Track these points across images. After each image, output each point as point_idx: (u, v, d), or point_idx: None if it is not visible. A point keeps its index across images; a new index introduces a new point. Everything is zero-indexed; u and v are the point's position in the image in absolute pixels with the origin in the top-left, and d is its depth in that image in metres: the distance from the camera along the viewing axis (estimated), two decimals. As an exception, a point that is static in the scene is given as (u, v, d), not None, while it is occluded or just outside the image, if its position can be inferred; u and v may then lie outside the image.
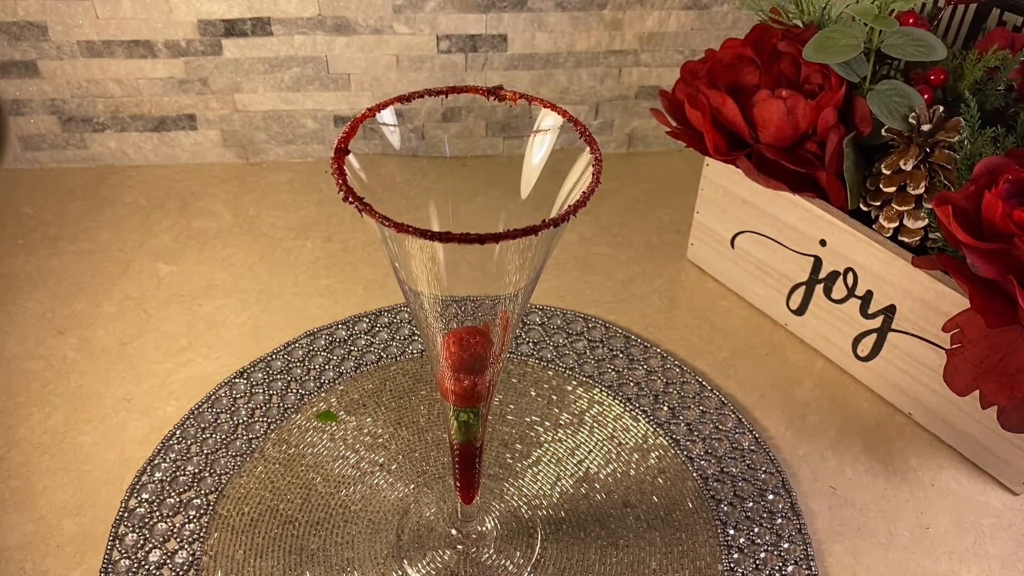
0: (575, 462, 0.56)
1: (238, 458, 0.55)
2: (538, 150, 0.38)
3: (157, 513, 0.51)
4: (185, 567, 0.49)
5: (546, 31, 0.76)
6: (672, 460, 0.56)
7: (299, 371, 0.60)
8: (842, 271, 0.60)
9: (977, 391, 0.50)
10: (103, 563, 0.49)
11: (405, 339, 0.63)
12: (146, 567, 0.49)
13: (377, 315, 0.65)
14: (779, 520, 0.53)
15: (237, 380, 0.60)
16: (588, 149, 0.35)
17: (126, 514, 0.51)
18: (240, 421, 0.57)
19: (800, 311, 0.65)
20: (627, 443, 0.57)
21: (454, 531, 0.51)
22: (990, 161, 0.49)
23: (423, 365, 0.62)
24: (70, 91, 0.75)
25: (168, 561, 0.49)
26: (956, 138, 0.53)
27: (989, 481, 0.56)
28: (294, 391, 0.59)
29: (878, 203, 0.56)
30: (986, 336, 0.49)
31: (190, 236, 0.73)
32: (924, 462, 0.57)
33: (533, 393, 0.60)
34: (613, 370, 0.62)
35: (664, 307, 0.68)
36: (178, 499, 0.52)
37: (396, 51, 0.76)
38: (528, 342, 0.64)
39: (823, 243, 0.60)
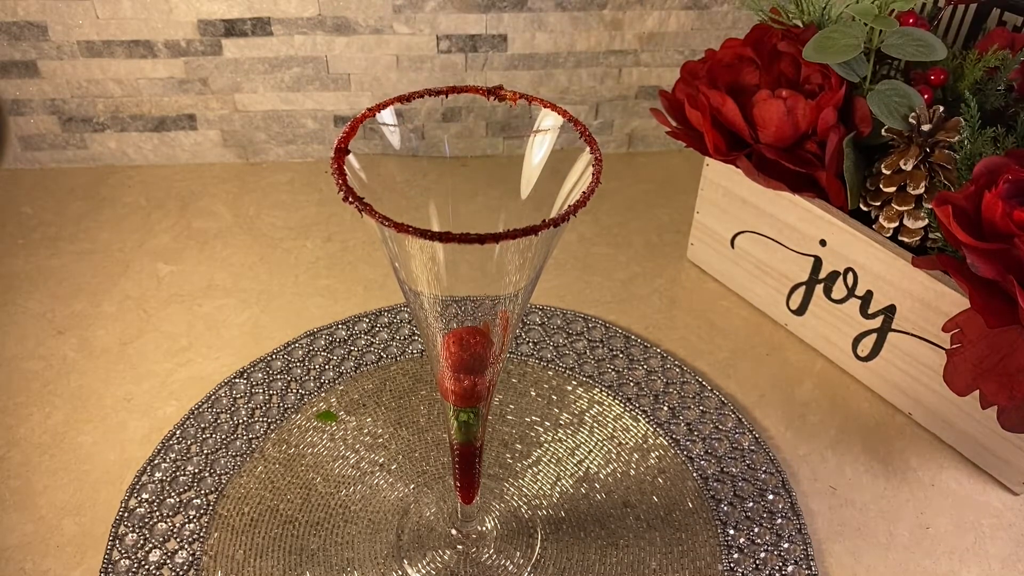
0: (575, 462, 0.56)
1: (238, 458, 0.55)
2: (538, 150, 0.38)
3: (157, 513, 0.51)
4: (185, 567, 0.49)
5: (546, 31, 0.76)
6: (672, 460, 0.56)
7: (299, 371, 0.60)
8: (842, 271, 0.60)
9: (977, 391, 0.50)
10: (103, 563, 0.49)
11: (405, 339, 0.63)
12: (146, 567, 0.49)
13: (377, 315, 0.65)
14: (779, 520, 0.53)
15: (237, 380, 0.60)
16: (588, 149, 0.35)
17: (126, 514, 0.51)
18: (240, 421, 0.57)
19: (800, 311, 0.65)
20: (627, 443, 0.57)
21: (454, 531, 0.51)
22: (990, 161, 0.49)
23: (423, 365, 0.62)
24: (70, 91, 0.75)
25: (168, 561, 0.49)
26: (956, 138, 0.53)
27: (989, 481, 0.56)
28: (294, 391, 0.59)
29: (878, 203, 0.56)
30: (986, 336, 0.49)
31: (190, 236, 0.73)
32: (924, 462, 0.57)
33: (533, 393, 0.60)
34: (613, 370, 0.62)
35: (664, 307, 0.68)
36: (178, 499, 0.52)
37: (396, 51, 0.76)
38: (528, 342, 0.64)
39: (823, 243, 0.60)
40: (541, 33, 0.76)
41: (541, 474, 0.55)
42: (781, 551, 0.51)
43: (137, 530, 0.50)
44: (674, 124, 0.61)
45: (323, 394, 0.59)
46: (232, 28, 0.73)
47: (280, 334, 0.64)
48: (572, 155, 0.36)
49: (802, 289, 0.64)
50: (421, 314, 0.38)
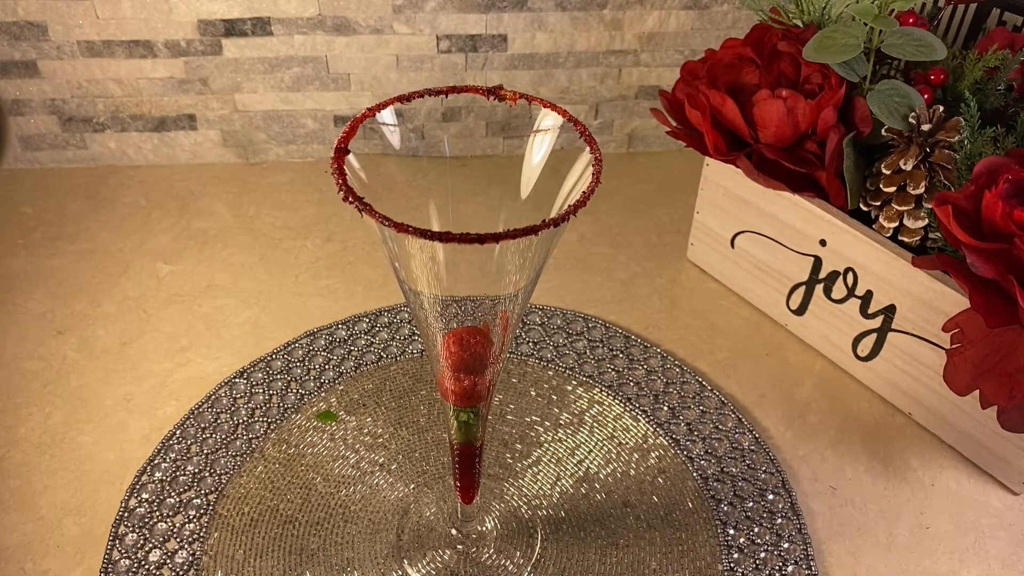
0: (575, 462, 0.56)
1: (238, 458, 0.55)
2: (538, 150, 0.38)
3: (157, 513, 0.51)
4: (185, 567, 0.49)
5: (546, 31, 0.76)
6: (672, 460, 0.56)
7: (299, 371, 0.60)
8: (842, 271, 0.60)
9: (977, 391, 0.50)
10: (103, 563, 0.49)
11: (405, 339, 0.63)
12: (146, 567, 0.49)
13: (377, 315, 0.65)
14: (779, 520, 0.53)
15: (237, 380, 0.60)
16: (588, 149, 0.35)
17: (126, 514, 0.51)
18: (240, 421, 0.57)
19: (800, 311, 0.65)
20: (627, 443, 0.57)
21: (454, 531, 0.51)
22: (990, 161, 0.49)
23: (423, 365, 0.62)
24: (70, 91, 0.75)
25: (168, 561, 0.49)
26: (956, 138, 0.53)
27: (989, 481, 0.56)
28: (294, 391, 0.59)
29: (878, 203, 0.56)
30: (986, 336, 0.49)
31: (190, 236, 0.73)
32: (924, 462, 0.57)
33: (533, 393, 0.60)
34: (613, 370, 0.62)
35: (664, 307, 0.68)
36: (178, 499, 0.52)
37: (396, 51, 0.76)
38: (528, 342, 0.64)
39: (823, 243, 0.60)
40: (541, 33, 0.76)
41: (541, 474, 0.55)
42: (781, 551, 0.51)
43: (137, 530, 0.50)
44: (674, 124, 0.61)
45: (323, 394, 0.59)
46: (232, 28, 0.73)
47: (280, 334, 0.64)
48: (572, 155, 0.36)
49: (802, 289, 0.64)
50: (421, 314, 0.38)
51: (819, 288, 0.62)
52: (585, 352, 0.63)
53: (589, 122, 0.83)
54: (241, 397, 0.58)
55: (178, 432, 0.56)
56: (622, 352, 0.63)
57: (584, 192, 0.33)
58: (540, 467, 0.56)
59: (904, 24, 0.58)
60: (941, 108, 0.53)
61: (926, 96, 0.56)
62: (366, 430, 0.57)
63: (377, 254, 0.71)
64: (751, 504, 0.54)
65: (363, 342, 0.63)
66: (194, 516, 0.51)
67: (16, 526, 0.51)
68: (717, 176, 0.66)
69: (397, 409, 0.59)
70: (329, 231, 0.74)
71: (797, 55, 0.58)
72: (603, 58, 0.79)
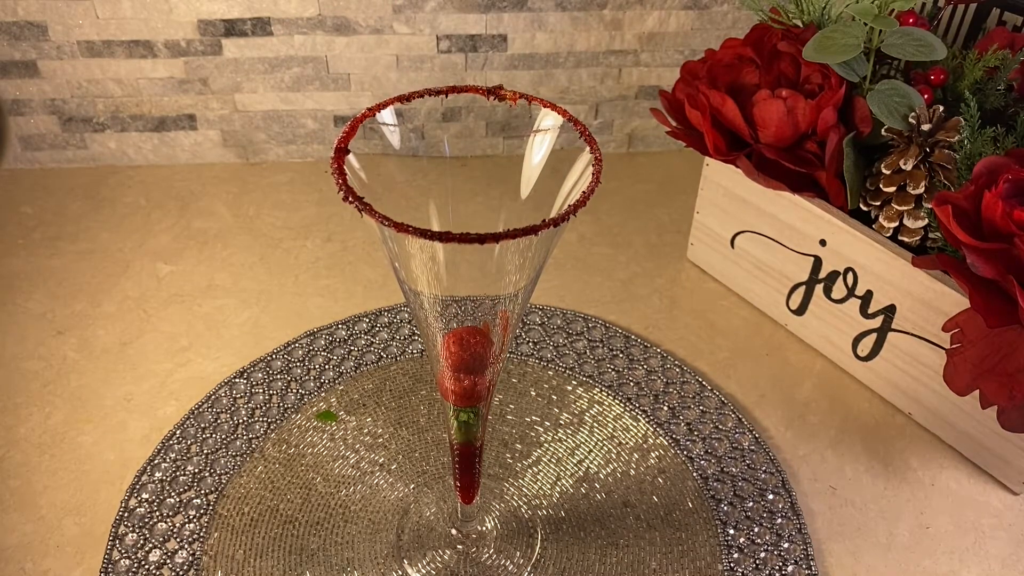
0: (575, 462, 0.56)
1: (238, 458, 0.55)
2: (538, 150, 0.38)
3: (157, 513, 0.51)
4: (185, 567, 0.49)
5: (546, 31, 0.76)
6: (672, 460, 0.56)
7: (299, 371, 0.60)
8: (842, 271, 0.60)
9: (977, 391, 0.50)
10: (103, 563, 0.49)
11: (405, 339, 0.63)
12: (146, 567, 0.49)
13: (377, 315, 0.65)
14: (779, 520, 0.53)
15: (237, 380, 0.60)
16: (588, 149, 0.35)
17: (126, 514, 0.51)
18: (240, 421, 0.57)
19: (800, 311, 0.65)
20: (627, 443, 0.57)
21: (454, 531, 0.51)
22: (990, 161, 0.49)
23: (423, 365, 0.62)
24: (70, 91, 0.75)
25: (168, 561, 0.49)
26: (956, 138, 0.53)
27: (989, 481, 0.56)
28: (294, 391, 0.59)
29: (878, 203, 0.56)
30: (986, 336, 0.49)
31: (190, 236, 0.73)
32: (924, 462, 0.57)
33: (533, 393, 0.60)
34: (613, 370, 0.62)
35: (664, 307, 0.68)
36: (178, 499, 0.52)
37: (396, 51, 0.76)
38: (528, 342, 0.64)
39: (823, 243, 0.60)
40: (541, 33, 0.76)
41: (541, 474, 0.55)
42: (781, 551, 0.51)
43: (137, 530, 0.50)
44: (674, 124, 0.61)
45: (323, 394, 0.59)
46: (232, 28, 0.73)
47: (280, 334, 0.64)
48: (572, 155, 0.36)
49: (802, 289, 0.64)
50: (421, 314, 0.38)
51: (819, 288, 0.62)
52: (585, 352, 0.63)
53: (589, 122, 0.83)
54: (241, 397, 0.58)
55: (178, 432, 0.56)
56: (622, 352, 0.63)
57: (584, 192, 0.33)
58: (540, 467, 0.56)
59: (904, 24, 0.58)
60: (941, 108, 0.53)
61: (926, 96, 0.56)
62: (366, 430, 0.57)
63: (377, 254, 0.71)
64: (751, 504, 0.54)
65: (363, 342, 0.63)
66: (194, 516, 0.51)
67: (16, 526, 0.51)
68: (717, 176, 0.66)
69: (397, 409, 0.59)
70: (329, 231, 0.74)
71: (797, 55, 0.58)
72: (603, 58, 0.79)
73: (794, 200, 0.61)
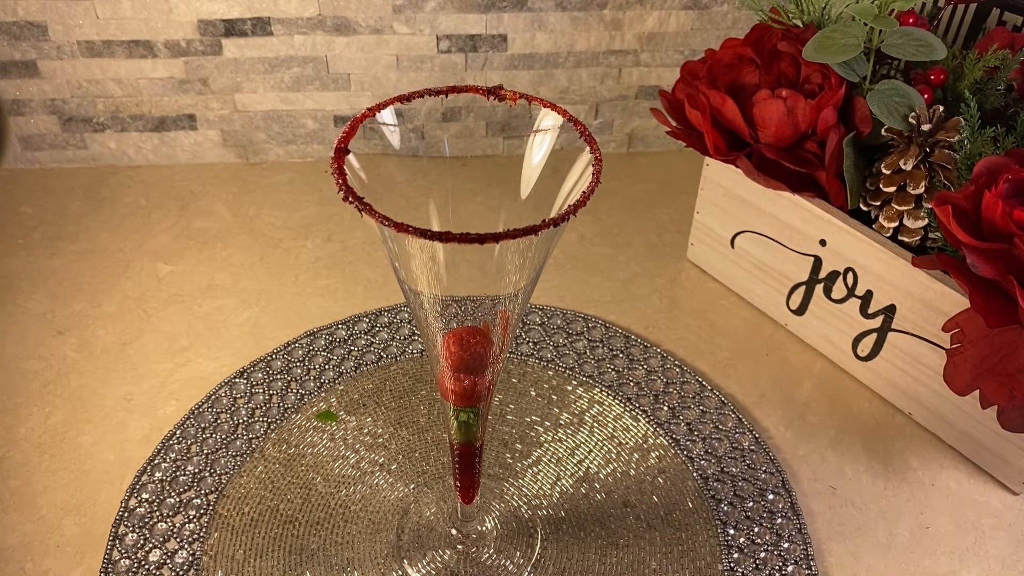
0: (575, 462, 0.56)
1: (238, 458, 0.55)
2: (538, 150, 0.38)
3: (157, 513, 0.51)
4: (185, 567, 0.49)
5: (546, 31, 0.76)
6: (672, 460, 0.56)
7: (299, 371, 0.60)
8: (842, 271, 0.60)
9: (977, 391, 0.50)
10: (103, 563, 0.49)
11: (405, 339, 0.63)
12: (146, 567, 0.49)
13: (377, 315, 0.65)
14: (779, 520, 0.53)
15: (237, 380, 0.60)
16: (588, 149, 0.35)
17: (126, 514, 0.51)
18: (240, 421, 0.57)
19: (800, 311, 0.65)
20: (627, 443, 0.57)
21: (454, 531, 0.51)
22: (990, 161, 0.49)
23: (423, 365, 0.62)
24: (70, 91, 0.75)
25: (168, 561, 0.49)
26: (956, 138, 0.53)
27: (989, 481, 0.56)
28: (294, 391, 0.59)
29: (878, 203, 0.56)
30: (986, 336, 0.49)
31: (190, 236, 0.73)
32: (924, 462, 0.57)
33: (533, 393, 0.60)
34: (613, 370, 0.62)
35: (664, 307, 0.68)
36: (178, 499, 0.52)
37: (396, 51, 0.76)
38: (528, 342, 0.64)
39: (823, 243, 0.60)
40: (541, 33, 0.76)
41: (541, 474, 0.55)
42: (781, 551, 0.51)
43: (137, 530, 0.50)
44: (674, 124, 0.61)
45: (323, 394, 0.59)
46: (232, 28, 0.73)
47: (280, 334, 0.64)
48: (572, 155, 0.36)
49: (802, 289, 0.64)
50: (421, 314, 0.38)
51: (819, 288, 0.62)
52: (585, 352, 0.63)
53: (589, 122, 0.83)
54: (241, 397, 0.58)
55: (178, 432, 0.56)
56: (622, 352, 0.63)
57: (584, 192, 0.33)
58: (540, 467, 0.56)
59: (904, 24, 0.58)
60: (941, 108, 0.53)
61: (926, 96, 0.56)
62: (366, 430, 0.57)
63: (377, 254, 0.71)
64: (751, 504, 0.54)
65: (363, 342, 0.63)
66: (194, 516, 0.51)
67: (16, 526, 0.51)
68: (717, 176, 0.66)
69: (397, 409, 0.59)
70: (329, 231, 0.74)
71: (797, 55, 0.58)
72: (603, 58, 0.79)
73: (794, 200, 0.61)
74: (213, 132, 0.79)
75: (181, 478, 0.53)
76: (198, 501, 0.52)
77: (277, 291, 0.68)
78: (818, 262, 0.61)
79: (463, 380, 0.40)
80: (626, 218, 0.77)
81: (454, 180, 0.40)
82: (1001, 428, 0.51)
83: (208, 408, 0.58)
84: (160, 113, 0.77)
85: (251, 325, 0.65)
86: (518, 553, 0.51)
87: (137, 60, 0.74)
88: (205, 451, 0.55)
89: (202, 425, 0.56)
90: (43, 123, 0.77)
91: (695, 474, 0.55)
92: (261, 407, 0.58)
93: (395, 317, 0.65)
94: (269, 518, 0.52)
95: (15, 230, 0.72)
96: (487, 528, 0.52)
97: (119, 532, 0.50)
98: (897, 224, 0.56)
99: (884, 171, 0.55)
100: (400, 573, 0.50)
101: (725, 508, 0.53)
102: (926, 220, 0.54)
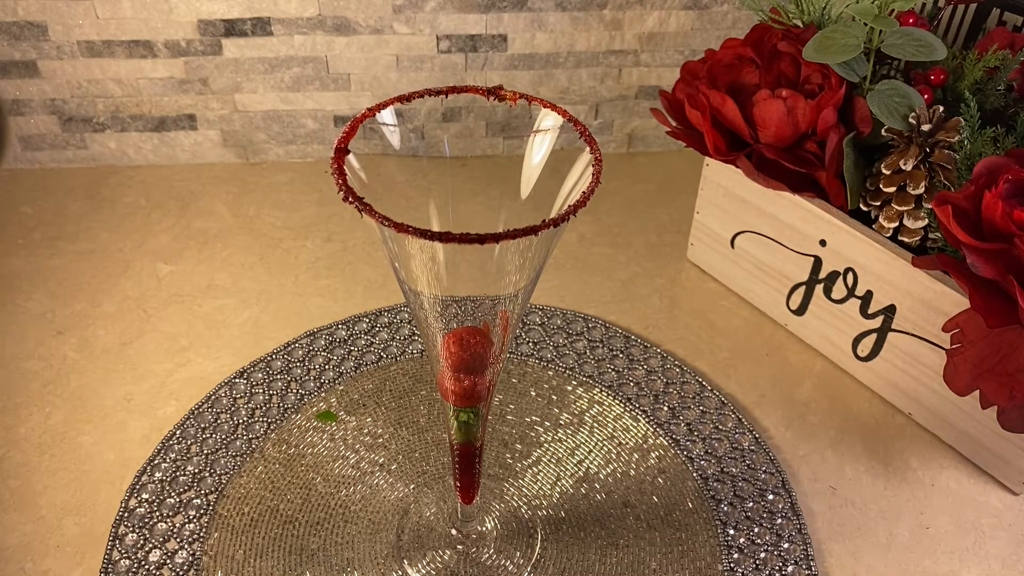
0: (575, 462, 0.56)
1: (238, 458, 0.55)
2: (538, 150, 0.38)
3: (157, 513, 0.51)
4: (185, 567, 0.49)
5: (546, 31, 0.76)
6: (672, 460, 0.56)
7: (299, 371, 0.60)
8: (842, 271, 0.60)
9: (977, 391, 0.50)
10: (103, 563, 0.49)
11: (405, 339, 0.63)
12: (146, 567, 0.49)
13: (377, 315, 0.65)
14: (779, 520, 0.53)
15: (237, 380, 0.60)
16: (588, 149, 0.35)
17: (126, 514, 0.51)
18: (240, 421, 0.57)
19: (800, 311, 0.65)
20: (627, 443, 0.57)
21: (454, 531, 0.51)
22: (990, 161, 0.49)
23: (423, 365, 0.62)
24: (70, 91, 0.75)
25: (168, 561, 0.49)
26: (956, 138, 0.53)
27: (989, 481, 0.56)
28: (294, 391, 0.59)
29: (878, 203, 0.56)
30: (986, 336, 0.49)
31: (190, 236, 0.73)
32: (924, 462, 0.57)
33: (533, 393, 0.60)
34: (613, 370, 0.62)
35: (664, 307, 0.68)
36: (178, 499, 0.52)
37: (396, 51, 0.76)
38: (528, 342, 0.64)
39: (823, 243, 0.60)
40: (541, 33, 0.76)
41: (541, 474, 0.55)
42: (781, 551, 0.51)
43: (137, 530, 0.50)
44: (674, 124, 0.61)
45: (323, 394, 0.59)
46: (232, 28, 0.73)
47: (280, 334, 0.64)
48: (572, 155, 0.36)
49: (802, 289, 0.64)
50: (421, 314, 0.38)
51: (819, 288, 0.62)
52: (585, 352, 0.63)
53: (589, 122, 0.83)
54: (241, 397, 0.58)
55: (178, 432, 0.56)
56: (622, 352, 0.63)
57: (584, 192, 0.33)
58: (540, 467, 0.56)
59: (904, 24, 0.58)
60: (941, 108, 0.53)
61: (926, 96, 0.56)
62: (366, 430, 0.57)
63: (377, 254, 0.71)
64: (751, 504, 0.54)
65: (363, 342, 0.63)
66: (194, 516, 0.51)
67: (16, 526, 0.51)
68: (717, 176, 0.66)
69: (397, 409, 0.59)
70: (329, 231, 0.74)
71: (797, 55, 0.58)
72: (603, 58, 0.79)
73: (794, 200, 0.61)
74: (213, 132, 0.79)
75: (181, 478, 0.53)
76: (198, 501, 0.52)
77: (277, 291, 0.68)
78: (818, 262, 0.61)
79: (463, 380, 0.40)
80: (626, 218, 0.77)
81: (454, 180, 0.40)
82: (1001, 428, 0.51)
83: (208, 408, 0.58)
84: (160, 113, 0.77)
85: (251, 325, 0.65)
86: (518, 553, 0.51)
87: (137, 60, 0.74)
88: (205, 451, 0.55)
89: (202, 425, 0.56)
90: (43, 123, 0.77)
91: (695, 474, 0.55)
92: (261, 407, 0.58)
93: (395, 317, 0.65)
94: (269, 518, 0.52)
95: (15, 230, 0.72)
96: (487, 528, 0.52)
97: (119, 532, 0.50)
98: (897, 224, 0.56)
99: (884, 171, 0.55)
100: (400, 573, 0.50)
101: (725, 508, 0.53)
102: (926, 220, 0.54)
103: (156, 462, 0.54)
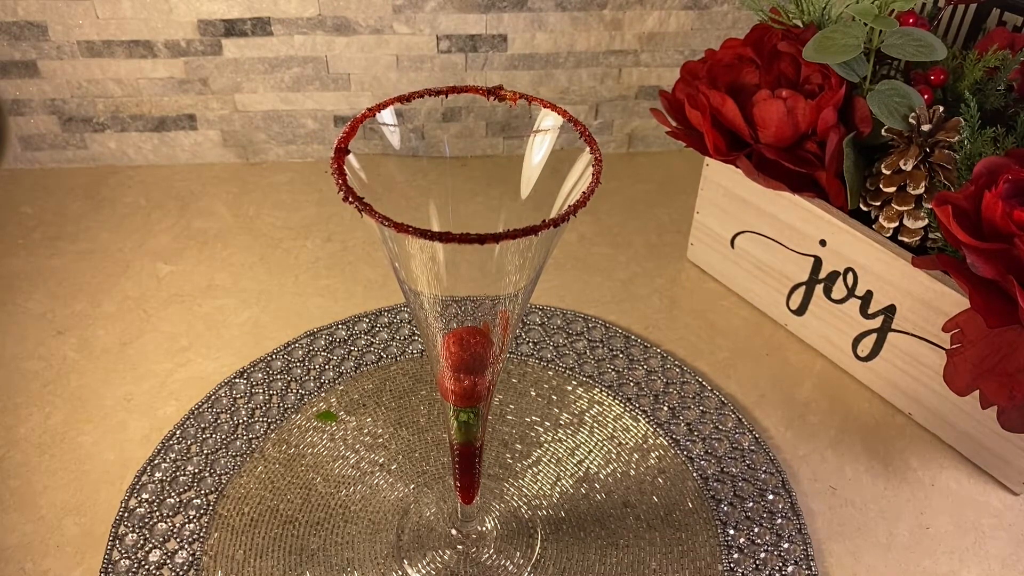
0: (575, 462, 0.56)
1: (238, 458, 0.55)
2: (538, 150, 0.38)
3: (157, 513, 0.51)
4: (185, 567, 0.49)
5: (546, 31, 0.76)
6: (672, 460, 0.56)
7: (299, 371, 0.60)
8: (842, 271, 0.60)
9: (977, 391, 0.50)
10: (103, 563, 0.49)
11: (405, 339, 0.63)
12: (146, 567, 0.49)
13: (377, 315, 0.65)
14: (779, 520, 0.53)
15: (237, 380, 0.60)
16: (588, 149, 0.35)
17: (126, 514, 0.51)
18: (240, 421, 0.57)
19: (800, 311, 0.65)
20: (627, 443, 0.57)
21: (454, 531, 0.51)
22: (990, 161, 0.49)
23: (423, 365, 0.62)
24: (70, 91, 0.75)
25: (168, 561, 0.49)
26: (956, 138, 0.53)
27: (989, 481, 0.56)
28: (294, 391, 0.59)
29: (878, 203, 0.56)
30: (986, 336, 0.49)
31: (190, 236, 0.73)
32: (924, 462, 0.57)
33: (533, 393, 0.60)
34: (613, 370, 0.62)
35: (664, 307, 0.68)
36: (178, 499, 0.52)
37: (396, 51, 0.76)
38: (528, 342, 0.64)
39: (823, 243, 0.60)
40: (541, 33, 0.76)
41: (541, 474, 0.55)
42: (781, 551, 0.51)
43: (137, 530, 0.50)
44: (674, 124, 0.61)
45: (323, 394, 0.59)
46: (232, 28, 0.73)
47: (280, 334, 0.64)
48: (572, 155, 0.36)
49: (802, 289, 0.64)
50: (421, 314, 0.38)
51: (819, 288, 0.62)
52: (585, 352, 0.63)
53: (589, 122, 0.83)
54: (241, 397, 0.58)
55: (178, 432, 0.56)
56: (622, 352, 0.63)
57: (584, 192, 0.33)
58: (540, 467, 0.56)
59: (904, 24, 0.58)
60: (941, 108, 0.53)
61: (926, 96, 0.56)
62: (366, 430, 0.57)
63: (377, 254, 0.71)
64: (751, 504, 0.54)
65: (363, 342, 0.63)
66: (194, 516, 0.51)
67: (16, 526, 0.51)
68: (717, 176, 0.66)
69: (397, 409, 0.59)
70: (329, 231, 0.74)
71: (797, 55, 0.58)
72: (603, 58, 0.79)
73: (794, 200, 0.61)
74: (213, 132, 0.79)
75: (181, 478, 0.53)
76: (198, 501, 0.52)
77: (277, 291, 0.68)
78: (818, 262, 0.61)
79: (463, 380, 0.40)
80: (626, 218, 0.77)
81: (454, 180, 0.40)
82: (1001, 428, 0.51)
83: (208, 408, 0.58)
84: (160, 113, 0.77)
85: (251, 325, 0.65)
86: (518, 553, 0.51)
87: (137, 60, 0.74)
88: (205, 451, 0.55)
89: (202, 425, 0.56)
90: (43, 123, 0.77)
91: (695, 474, 0.55)
92: (261, 407, 0.58)
93: (395, 317, 0.65)
94: (269, 518, 0.52)
95: (15, 230, 0.72)
96: (487, 528, 0.52)
97: (119, 532, 0.50)
98: (897, 224, 0.56)
99: (884, 171, 0.55)
100: (400, 573, 0.50)
101: (725, 508, 0.53)
102: (926, 220, 0.54)
103: (156, 462, 0.54)
